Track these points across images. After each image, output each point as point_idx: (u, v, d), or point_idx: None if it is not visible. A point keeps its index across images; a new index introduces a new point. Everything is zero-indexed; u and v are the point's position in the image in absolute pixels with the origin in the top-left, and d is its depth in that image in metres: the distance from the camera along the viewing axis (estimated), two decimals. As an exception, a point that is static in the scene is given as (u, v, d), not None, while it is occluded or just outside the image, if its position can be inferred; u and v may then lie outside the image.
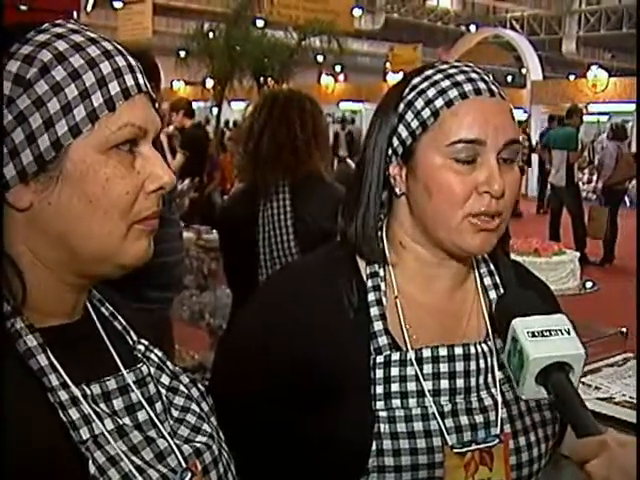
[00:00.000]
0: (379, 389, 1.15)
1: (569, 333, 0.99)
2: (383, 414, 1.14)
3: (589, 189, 15.55)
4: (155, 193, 0.91)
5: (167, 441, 0.92)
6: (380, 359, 1.16)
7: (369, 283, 1.22)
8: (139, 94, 0.89)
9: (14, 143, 0.83)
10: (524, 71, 22.30)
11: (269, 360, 1.23)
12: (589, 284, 3.70)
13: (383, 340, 1.17)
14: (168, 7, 25.43)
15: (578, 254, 3.78)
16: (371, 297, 1.21)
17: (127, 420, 0.90)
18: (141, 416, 0.92)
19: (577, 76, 23.24)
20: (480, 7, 32.46)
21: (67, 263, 0.89)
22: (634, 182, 12.27)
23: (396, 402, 1.15)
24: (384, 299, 1.21)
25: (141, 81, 0.90)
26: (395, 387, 1.15)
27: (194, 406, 1.00)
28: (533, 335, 0.97)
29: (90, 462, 0.83)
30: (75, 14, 4.62)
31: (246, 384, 1.26)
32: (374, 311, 1.20)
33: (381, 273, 1.23)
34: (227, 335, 2.98)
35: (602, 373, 2.47)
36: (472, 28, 26.86)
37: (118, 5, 20.20)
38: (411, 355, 1.16)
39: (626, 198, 12.69)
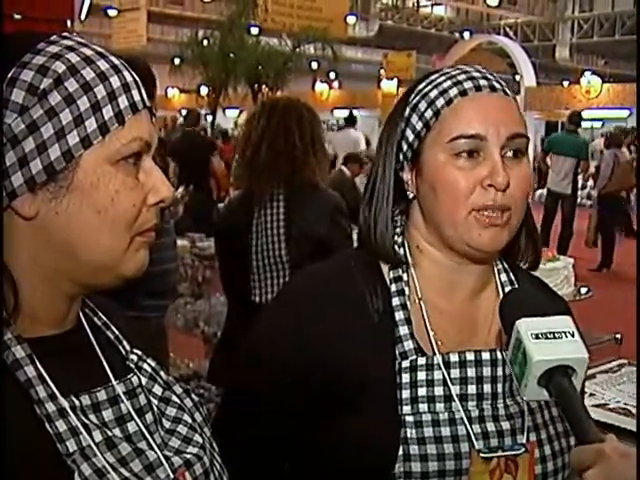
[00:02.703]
0: (405, 394, 1.13)
1: (573, 336, 0.96)
2: (410, 419, 1.12)
3: (583, 195, 15.59)
4: (155, 206, 0.92)
5: (156, 453, 0.91)
6: (406, 364, 1.14)
7: (393, 287, 1.21)
8: (144, 109, 0.91)
9: (24, 152, 0.83)
10: (518, 78, 22.34)
11: (278, 373, 1.21)
12: (584, 290, 3.70)
13: (409, 344, 1.16)
14: (163, 15, 25.48)
15: (572, 260, 3.78)
16: (395, 301, 1.19)
17: (117, 431, 0.89)
18: (131, 427, 0.92)
19: (571, 82, 23.34)
20: (474, 14, 32.56)
21: (68, 272, 0.89)
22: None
23: (423, 407, 1.13)
24: (408, 303, 1.19)
25: (144, 96, 0.91)
26: (422, 391, 1.13)
27: (186, 417, 0.99)
28: (537, 337, 0.95)
29: (76, 474, 0.82)
30: (69, 22, 4.61)
31: (257, 398, 1.24)
32: (399, 315, 1.18)
33: (405, 278, 1.21)
34: (228, 347, 2.97)
35: (596, 380, 2.46)
36: (466, 35, 26.89)
37: (112, 13, 20.23)
38: (438, 359, 1.15)
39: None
